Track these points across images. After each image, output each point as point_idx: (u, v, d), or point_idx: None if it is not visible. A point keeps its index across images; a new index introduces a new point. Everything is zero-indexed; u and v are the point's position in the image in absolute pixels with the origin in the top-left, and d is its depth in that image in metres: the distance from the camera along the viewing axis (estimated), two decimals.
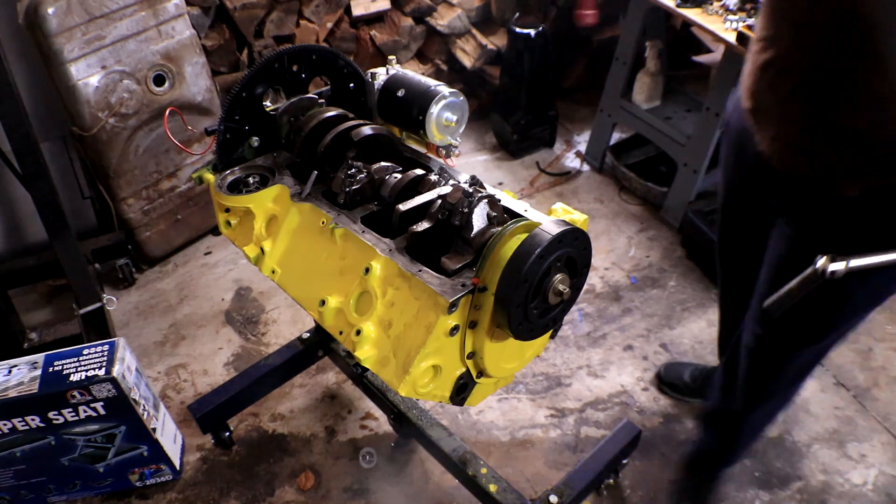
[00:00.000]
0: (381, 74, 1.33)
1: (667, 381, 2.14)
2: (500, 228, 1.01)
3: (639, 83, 2.87)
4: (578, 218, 1.06)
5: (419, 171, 1.19)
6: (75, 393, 1.61)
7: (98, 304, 2.23)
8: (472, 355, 1.06)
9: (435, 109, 1.22)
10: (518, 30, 3.04)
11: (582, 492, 1.62)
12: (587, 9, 0.84)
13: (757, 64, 1.21)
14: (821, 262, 0.99)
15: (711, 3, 2.34)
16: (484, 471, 1.60)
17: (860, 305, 1.30)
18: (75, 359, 1.65)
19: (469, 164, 3.29)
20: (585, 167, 3.24)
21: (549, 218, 1.02)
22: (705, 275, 2.54)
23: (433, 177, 1.18)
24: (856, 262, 1.00)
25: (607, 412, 2.09)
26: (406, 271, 1.02)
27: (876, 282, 1.21)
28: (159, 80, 2.48)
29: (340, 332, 1.09)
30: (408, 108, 1.26)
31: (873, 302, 1.30)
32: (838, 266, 0.99)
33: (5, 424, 1.63)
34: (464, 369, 1.07)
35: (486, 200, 1.04)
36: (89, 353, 1.66)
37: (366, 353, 1.03)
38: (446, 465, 1.71)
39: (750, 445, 1.79)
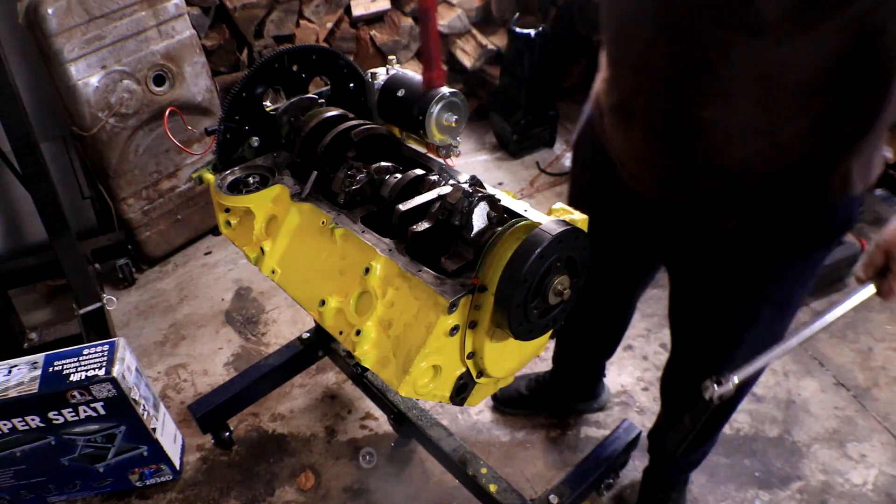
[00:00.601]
0: (381, 74, 1.33)
1: (503, 398, 2.09)
2: (500, 228, 1.01)
3: None
4: (578, 218, 1.06)
5: (419, 171, 1.19)
6: (75, 393, 1.61)
7: (98, 304, 2.24)
8: (472, 355, 1.05)
9: (435, 109, 1.22)
10: (518, 30, 3.04)
11: (582, 492, 1.62)
12: (433, 70, 0.78)
13: (606, 105, 1.19)
14: (708, 391, 1.01)
15: None
16: (484, 471, 1.60)
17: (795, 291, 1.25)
18: (75, 359, 1.65)
19: (469, 164, 3.29)
20: None
21: (549, 218, 1.02)
22: None
23: (433, 177, 1.18)
24: (741, 375, 1.02)
25: (607, 412, 2.09)
26: (406, 271, 1.02)
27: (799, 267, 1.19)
28: (159, 80, 2.48)
29: (340, 332, 1.09)
30: (408, 108, 1.26)
31: (805, 278, 1.23)
32: (726, 388, 1.01)
33: (5, 424, 1.63)
34: (464, 369, 1.07)
35: (486, 200, 1.03)
36: (89, 353, 1.66)
37: (366, 353, 1.03)
38: (446, 465, 1.71)
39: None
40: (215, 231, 2.90)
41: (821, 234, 1.14)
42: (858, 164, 1.03)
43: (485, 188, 1.11)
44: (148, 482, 1.91)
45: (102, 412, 1.67)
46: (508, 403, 2.08)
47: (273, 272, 1.24)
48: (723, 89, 0.96)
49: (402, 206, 1.10)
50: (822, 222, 1.11)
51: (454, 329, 0.99)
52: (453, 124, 1.25)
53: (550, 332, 1.09)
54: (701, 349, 1.42)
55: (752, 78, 0.93)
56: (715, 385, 1.01)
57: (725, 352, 1.35)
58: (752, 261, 1.18)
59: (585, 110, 1.37)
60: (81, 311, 2.22)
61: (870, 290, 1.08)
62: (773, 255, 1.17)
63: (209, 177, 1.34)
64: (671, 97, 1.02)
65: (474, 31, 3.35)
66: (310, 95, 1.38)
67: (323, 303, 1.11)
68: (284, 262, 1.24)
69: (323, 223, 1.17)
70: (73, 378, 1.60)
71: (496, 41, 3.33)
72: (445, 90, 1.23)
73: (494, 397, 2.10)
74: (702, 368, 1.42)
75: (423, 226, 1.05)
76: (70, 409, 1.64)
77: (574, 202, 1.45)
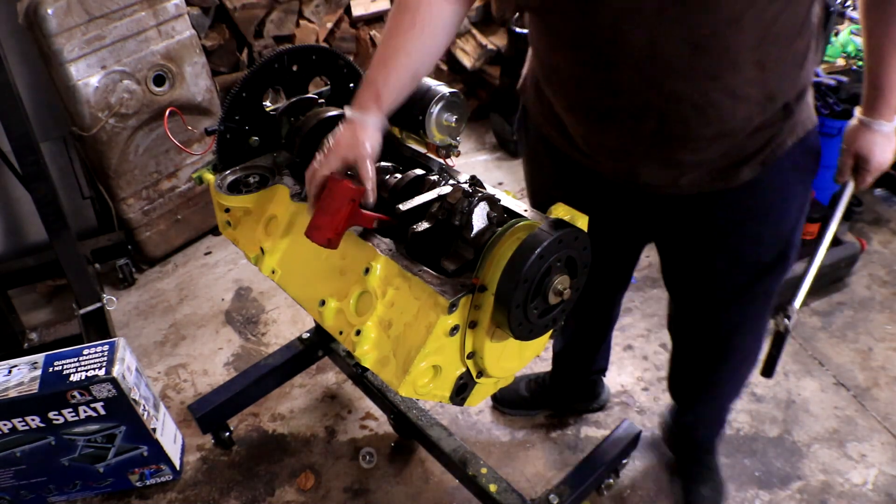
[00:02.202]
0: None
1: (503, 399, 2.08)
2: (500, 228, 1.01)
3: None
4: (578, 218, 1.06)
5: (419, 171, 1.19)
6: (75, 393, 1.61)
7: (98, 304, 2.24)
8: (471, 355, 1.05)
9: (435, 109, 1.22)
10: (518, 30, 3.04)
11: (582, 492, 1.62)
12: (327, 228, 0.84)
13: (585, 116, 1.19)
14: (781, 325, 1.30)
15: None
16: (484, 471, 1.60)
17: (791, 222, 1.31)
18: (75, 359, 1.65)
19: (469, 164, 3.29)
20: None
21: (550, 218, 1.02)
22: None
23: (433, 177, 1.18)
24: (797, 301, 1.31)
25: (607, 412, 2.09)
26: (406, 271, 1.02)
27: (792, 191, 1.26)
28: (159, 80, 2.48)
29: (340, 332, 1.09)
30: (408, 108, 1.26)
31: (799, 212, 1.31)
32: (793, 317, 1.30)
33: (5, 424, 1.63)
34: (464, 369, 1.07)
35: (486, 200, 1.04)
36: (89, 353, 1.66)
37: (366, 353, 1.03)
38: (446, 465, 1.71)
39: (727, 409, 1.78)
40: (215, 231, 2.90)
41: (812, 164, 1.25)
42: (810, 96, 1.20)
43: (485, 188, 1.11)
44: (148, 482, 1.91)
45: (102, 412, 1.67)
46: (508, 404, 2.08)
47: (273, 272, 1.24)
48: (731, 56, 1.00)
49: (402, 206, 1.10)
50: (809, 152, 1.23)
51: (454, 329, 0.99)
52: (453, 124, 1.25)
53: (550, 331, 1.09)
54: (712, 312, 1.45)
55: (755, 38, 0.99)
56: (785, 319, 1.29)
57: (744, 308, 1.41)
58: (759, 208, 1.24)
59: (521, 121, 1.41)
60: (81, 311, 2.22)
61: (850, 186, 1.33)
62: (778, 196, 1.23)
63: (209, 177, 1.34)
64: (680, 80, 1.03)
65: (474, 31, 3.35)
66: (310, 95, 1.38)
67: (323, 303, 1.11)
68: (284, 262, 1.24)
69: None
70: (73, 378, 1.60)
71: (496, 41, 3.33)
72: (445, 90, 1.23)
73: (494, 398, 2.10)
74: (713, 339, 1.50)
75: (423, 226, 1.05)
76: (70, 410, 1.64)
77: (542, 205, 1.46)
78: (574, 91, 1.17)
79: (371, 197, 1.08)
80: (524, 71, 1.39)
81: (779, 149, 1.17)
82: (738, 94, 1.05)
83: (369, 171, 1.06)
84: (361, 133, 1.07)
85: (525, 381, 2.09)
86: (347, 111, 1.11)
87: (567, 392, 2.05)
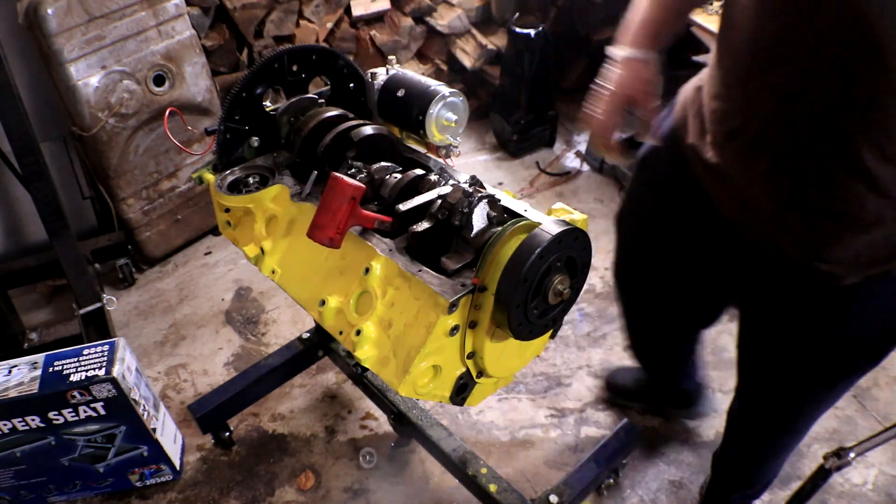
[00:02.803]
0: (381, 74, 1.33)
1: (614, 385, 2.10)
2: (500, 228, 1.01)
3: None
4: (578, 218, 1.06)
5: (419, 171, 1.19)
6: (75, 393, 1.61)
7: (98, 304, 2.23)
8: (472, 355, 1.06)
9: (435, 109, 1.23)
10: (518, 30, 3.04)
11: (582, 492, 1.62)
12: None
13: (715, 126, 1.09)
14: (829, 462, 1.26)
15: (711, 3, 2.33)
16: (484, 471, 1.60)
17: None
18: (75, 359, 1.65)
19: (469, 164, 3.29)
20: (585, 167, 3.23)
21: (549, 218, 1.02)
22: None
23: (433, 177, 1.18)
24: (857, 451, 1.25)
25: (607, 412, 2.09)
26: (406, 271, 1.02)
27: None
28: (159, 81, 2.48)
29: (340, 332, 1.09)
30: (408, 108, 1.26)
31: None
32: (844, 462, 1.25)
33: (5, 424, 1.63)
34: (464, 369, 1.07)
35: (486, 200, 1.04)
36: (89, 354, 1.66)
37: (366, 353, 1.03)
38: (446, 465, 1.71)
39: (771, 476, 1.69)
40: (215, 231, 2.90)
41: None
42: None
43: (485, 188, 1.11)
44: (148, 482, 1.91)
45: (102, 412, 1.67)
46: (621, 392, 2.07)
47: (273, 272, 1.24)
48: (876, 143, 0.89)
49: (402, 206, 1.10)
50: None
51: (454, 329, 0.99)
52: (453, 124, 1.25)
53: (550, 332, 1.09)
54: (780, 396, 1.35)
55: None
56: (835, 457, 1.27)
57: (809, 403, 1.32)
58: (848, 314, 1.11)
59: (663, 124, 1.26)
60: (81, 311, 2.22)
61: None
62: (878, 307, 1.09)
63: (209, 177, 1.34)
64: (809, 132, 0.93)
65: (474, 31, 3.35)
66: (310, 95, 1.38)
67: (323, 303, 1.11)
68: (284, 261, 1.24)
69: None
70: (73, 378, 1.60)
71: (496, 41, 3.33)
72: (445, 90, 1.23)
73: (608, 382, 2.09)
74: (777, 414, 1.40)
75: (423, 226, 1.05)
76: (70, 410, 1.64)
77: (630, 228, 1.34)
78: (719, 90, 1.08)
79: (652, 134, 1.11)
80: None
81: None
82: (878, 184, 0.92)
83: (653, 110, 1.08)
84: (645, 71, 1.08)
85: (634, 373, 2.07)
86: (618, 50, 1.11)
87: (660, 396, 2.03)
